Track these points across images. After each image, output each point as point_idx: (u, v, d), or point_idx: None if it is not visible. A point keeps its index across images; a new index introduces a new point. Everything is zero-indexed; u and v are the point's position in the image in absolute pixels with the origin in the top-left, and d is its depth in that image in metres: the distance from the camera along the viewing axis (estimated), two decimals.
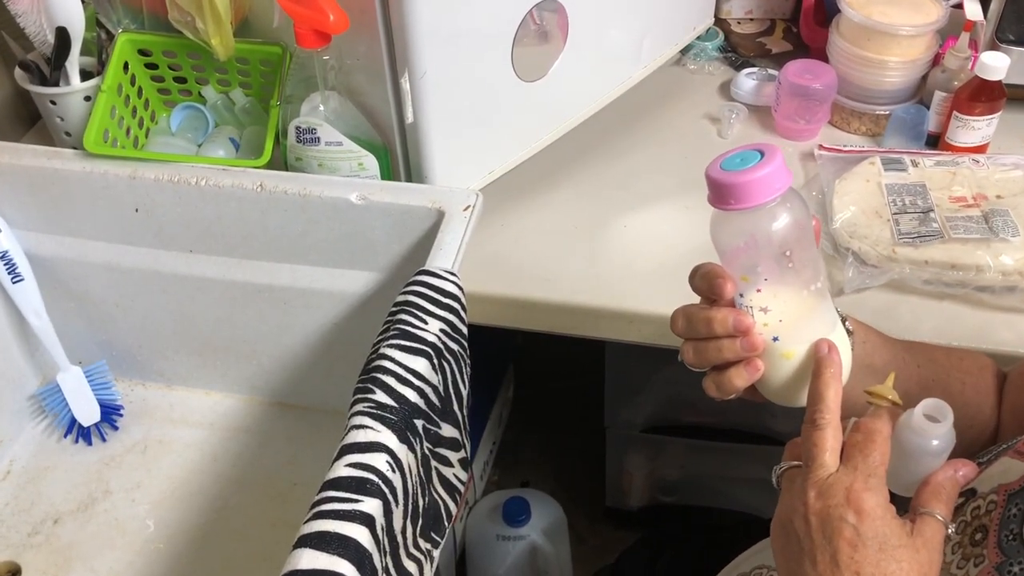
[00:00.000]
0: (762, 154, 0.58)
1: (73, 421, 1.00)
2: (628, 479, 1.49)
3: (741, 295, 0.61)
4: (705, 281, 0.63)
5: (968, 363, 0.74)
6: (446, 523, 0.76)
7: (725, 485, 1.46)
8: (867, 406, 0.60)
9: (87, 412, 1.00)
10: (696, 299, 0.65)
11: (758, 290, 0.60)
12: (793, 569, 0.56)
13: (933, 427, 0.56)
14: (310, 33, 0.81)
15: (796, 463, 0.59)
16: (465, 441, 0.79)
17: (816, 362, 0.60)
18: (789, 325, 0.61)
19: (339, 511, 0.60)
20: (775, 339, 0.61)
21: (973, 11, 1.03)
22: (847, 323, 0.66)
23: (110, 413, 1.02)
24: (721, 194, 0.58)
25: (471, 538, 1.39)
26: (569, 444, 1.68)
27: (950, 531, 0.56)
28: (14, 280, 0.94)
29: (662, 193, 1.03)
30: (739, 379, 0.62)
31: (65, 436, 1.01)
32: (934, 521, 0.55)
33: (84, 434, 1.00)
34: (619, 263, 0.95)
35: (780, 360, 0.62)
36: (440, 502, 0.75)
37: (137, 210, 0.91)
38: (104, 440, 1.01)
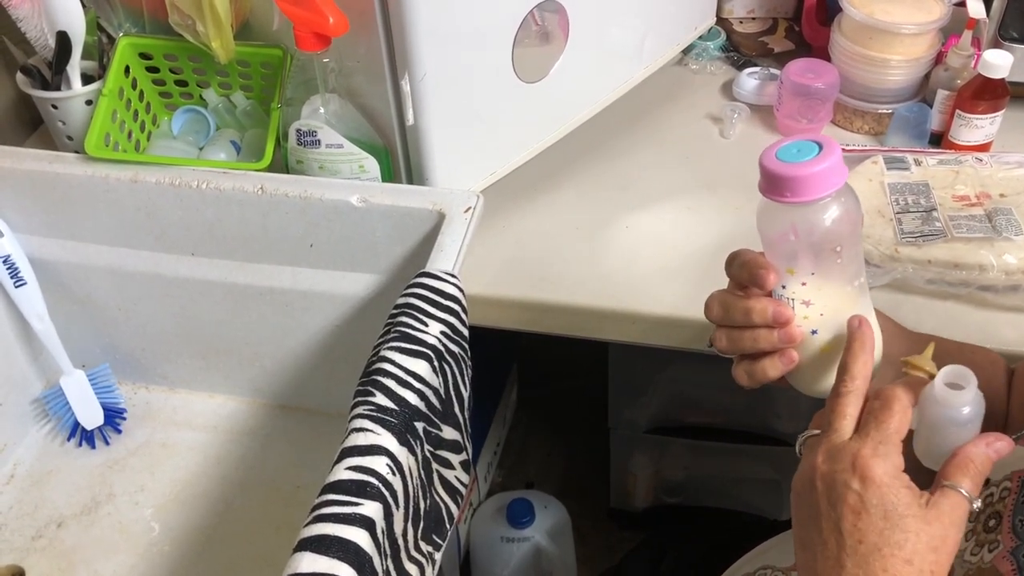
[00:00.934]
0: (820, 147, 0.57)
1: (76, 424, 1.00)
2: (632, 480, 1.49)
3: (783, 286, 0.61)
4: (746, 270, 0.62)
5: (980, 357, 0.73)
6: (448, 526, 0.75)
7: (729, 486, 1.45)
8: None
9: (90, 415, 1.00)
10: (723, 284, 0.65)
11: (803, 283, 0.60)
12: (804, 535, 0.56)
13: (956, 395, 0.55)
14: (310, 36, 0.81)
15: (817, 431, 0.58)
16: (467, 443, 0.79)
17: (849, 334, 0.59)
18: (830, 319, 0.61)
19: (339, 514, 0.60)
20: (814, 332, 0.61)
21: (976, 9, 1.03)
22: None
23: (113, 416, 1.02)
24: (776, 185, 0.57)
25: (475, 540, 1.39)
26: (573, 445, 1.68)
27: (975, 506, 0.54)
28: (17, 284, 0.94)
29: (664, 193, 1.03)
30: (773, 369, 0.62)
31: (68, 439, 1.01)
32: (956, 495, 0.53)
33: (87, 437, 1.01)
34: (621, 264, 0.95)
35: (818, 353, 0.62)
36: (442, 504, 0.75)
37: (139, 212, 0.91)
38: (107, 443, 1.01)
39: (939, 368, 0.57)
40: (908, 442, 0.56)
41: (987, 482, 0.61)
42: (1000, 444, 0.54)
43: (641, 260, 0.95)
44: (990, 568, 0.57)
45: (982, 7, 1.03)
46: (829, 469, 0.54)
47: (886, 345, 0.66)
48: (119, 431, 1.02)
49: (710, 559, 1.02)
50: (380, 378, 0.68)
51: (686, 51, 1.19)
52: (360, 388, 0.68)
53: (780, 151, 0.58)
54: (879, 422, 0.54)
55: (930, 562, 0.52)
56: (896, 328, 0.69)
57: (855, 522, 0.52)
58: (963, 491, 0.53)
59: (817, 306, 0.61)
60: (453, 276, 0.77)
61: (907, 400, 0.55)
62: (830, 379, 0.62)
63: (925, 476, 0.55)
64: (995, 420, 0.72)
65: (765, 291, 0.61)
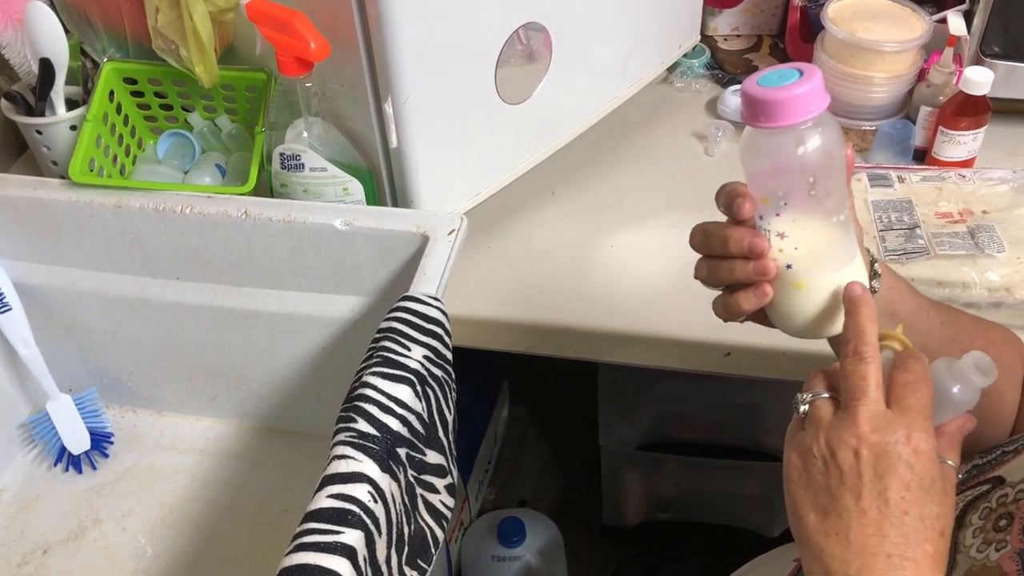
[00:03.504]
0: (801, 73, 0.56)
1: (63, 449, 1.00)
2: (624, 497, 1.49)
3: (761, 217, 0.60)
4: (724, 198, 0.62)
5: (994, 333, 0.72)
6: (433, 550, 0.75)
7: (721, 501, 1.45)
8: None
9: (77, 440, 1.00)
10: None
11: (777, 214, 0.59)
12: (823, 503, 0.55)
13: (980, 379, 0.56)
14: (292, 61, 0.81)
15: (825, 394, 0.57)
16: (452, 467, 0.79)
17: (851, 301, 0.58)
18: (804, 254, 0.60)
19: (320, 543, 0.59)
20: (788, 266, 0.60)
21: (957, 26, 1.03)
22: (876, 265, 0.66)
23: (100, 441, 1.01)
24: (752, 110, 0.56)
25: (467, 559, 1.39)
26: (565, 462, 1.68)
27: (960, 476, 0.58)
28: (1, 310, 0.94)
29: (649, 212, 1.03)
30: (747, 302, 0.62)
31: (55, 465, 1.00)
32: (951, 469, 0.56)
33: (74, 462, 1.00)
34: (607, 283, 0.95)
35: (791, 288, 0.61)
36: (426, 529, 0.75)
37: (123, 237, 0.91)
38: (94, 468, 1.01)
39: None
40: None
41: (1002, 481, 0.62)
42: (970, 424, 0.58)
43: (627, 279, 0.95)
44: (995, 567, 0.57)
45: (963, 24, 1.04)
46: (880, 439, 0.53)
47: (895, 303, 0.66)
48: (106, 455, 1.02)
49: (703, 574, 1.02)
50: (362, 404, 0.68)
51: (671, 69, 1.20)
52: (342, 414, 0.67)
53: (762, 77, 0.57)
54: (918, 397, 0.54)
55: (949, 532, 0.54)
56: (906, 287, 0.68)
57: (903, 493, 0.53)
58: (953, 464, 0.56)
59: (791, 239, 0.60)
60: (436, 299, 0.77)
61: (930, 375, 0.56)
62: (805, 318, 0.61)
63: None
64: (1011, 401, 0.71)
65: (742, 219, 0.61)
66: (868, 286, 0.61)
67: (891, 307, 0.66)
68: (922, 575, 0.52)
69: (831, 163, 0.57)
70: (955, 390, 0.56)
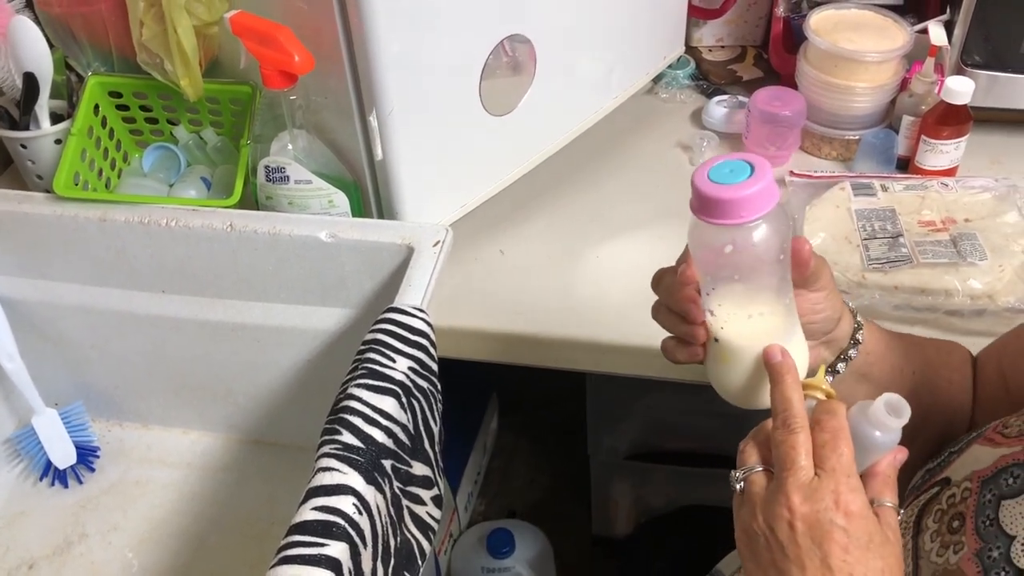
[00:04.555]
0: (752, 171, 0.56)
1: (49, 464, 0.99)
2: (614, 507, 1.49)
3: (699, 289, 0.63)
4: (680, 258, 0.65)
5: (955, 358, 0.75)
6: (419, 562, 0.75)
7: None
8: None
9: (63, 454, 1.00)
10: None
11: (707, 293, 0.62)
12: (772, 575, 0.56)
13: (895, 421, 0.57)
14: (276, 74, 0.81)
15: (759, 468, 0.58)
16: (438, 479, 0.79)
17: (772, 368, 0.60)
18: (731, 335, 0.62)
19: (305, 556, 0.59)
20: (716, 340, 0.63)
21: (938, 36, 1.04)
22: (859, 334, 0.68)
23: (86, 455, 1.01)
24: (694, 200, 0.58)
25: (456, 571, 1.38)
26: (554, 473, 1.68)
27: (899, 515, 0.58)
28: None
29: (635, 223, 1.03)
30: (680, 355, 0.66)
31: (41, 479, 1.00)
32: (892, 511, 0.57)
33: (60, 477, 1.00)
34: (593, 294, 0.95)
35: (719, 360, 0.64)
36: (413, 541, 0.75)
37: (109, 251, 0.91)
38: (81, 482, 1.00)
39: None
40: None
41: (948, 482, 0.63)
42: (902, 455, 0.59)
43: (613, 290, 0.95)
44: (956, 569, 0.59)
45: (944, 34, 1.04)
46: (811, 510, 0.54)
47: (870, 367, 0.67)
48: (92, 469, 1.01)
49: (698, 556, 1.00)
50: (347, 416, 0.68)
51: (656, 80, 1.20)
52: (327, 426, 0.67)
53: (713, 169, 0.58)
54: (839, 455, 0.55)
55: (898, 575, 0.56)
56: (883, 348, 0.71)
57: (844, 556, 0.54)
58: (891, 504, 0.57)
59: (719, 318, 0.62)
60: (421, 311, 0.78)
61: (847, 427, 0.57)
62: (731, 387, 0.64)
63: None
64: (963, 417, 0.74)
65: (681, 287, 0.64)
66: (805, 367, 0.63)
67: (865, 370, 0.70)
68: None
69: (760, 264, 0.59)
70: (876, 435, 0.57)
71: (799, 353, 0.63)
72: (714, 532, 0.95)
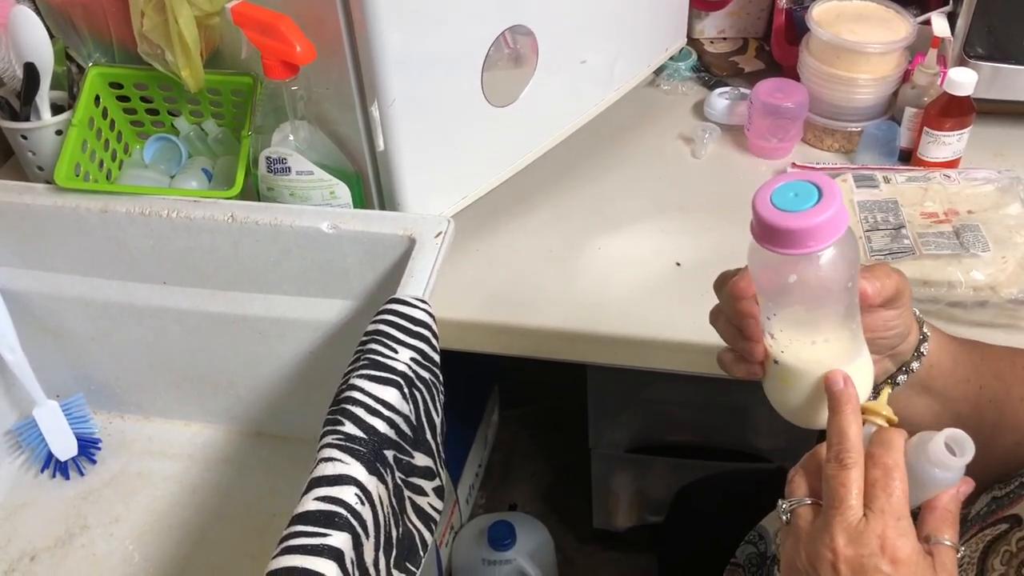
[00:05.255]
0: (820, 194, 0.52)
1: (50, 455, 0.99)
2: (615, 500, 1.49)
3: (760, 310, 0.60)
4: (733, 287, 0.61)
5: None
6: (421, 552, 0.75)
7: None
8: None
9: (64, 446, 0.99)
10: None
11: (768, 317, 0.59)
12: None
13: (955, 461, 0.53)
14: (277, 64, 0.81)
15: (808, 500, 0.57)
16: (440, 470, 0.79)
17: (832, 395, 0.58)
18: (791, 359, 0.60)
19: (307, 546, 0.59)
20: (775, 362, 0.61)
21: (940, 27, 1.04)
22: (923, 346, 0.65)
23: (88, 447, 1.01)
24: (757, 228, 0.54)
25: (457, 563, 1.38)
26: (556, 465, 1.68)
27: (960, 553, 0.55)
28: None
29: (637, 215, 1.03)
30: (738, 371, 0.63)
31: (42, 471, 1.00)
32: (949, 550, 0.54)
33: (61, 468, 1.00)
34: (594, 286, 0.95)
35: (778, 382, 0.62)
36: (415, 532, 0.75)
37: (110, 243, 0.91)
38: (82, 474, 1.00)
39: (892, 412, 0.59)
40: None
41: (1020, 521, 0.60)
42: (966, 488, 0.56)
43: (614, 282, 0.95)
44: None
45: (946, 26, 1.04)
46: (855, 554, 0.53)
47: (934, 379, 0.65)
48: (93, 461, 1.01)
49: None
50: (349, 406, 0.67)
51: (657, 72, 1.20)
52: (329, 417, 0.67)
53: (778, 191, 0.54)
54: (888, 494, 0.53)
55: None
56: (949, 361, 0.67)
57: None
58: (950, 543, 0.54)
59: (780, 342, 0.60)
60: (423, 302, 0.77)
61: (903, 463, 0.55)
62: (790, 408, 0.62)
63: None
64: None
65: (738, 300, 0.61)
66: (869, 389, 0.60)
67: (928, 383, 0.66)
68: None
69: (825, 293, 0.55)
70: (935, 472, 0.54)
71: (863, 376, 0.60)
72: (752, 493, 0.94)
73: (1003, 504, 0.64)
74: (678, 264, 0.96)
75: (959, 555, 0.55)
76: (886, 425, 0.58)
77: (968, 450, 0.53)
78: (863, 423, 0.57)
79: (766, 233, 0.53)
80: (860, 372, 0.60)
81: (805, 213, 0.52)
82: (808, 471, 0.58)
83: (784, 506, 0.58)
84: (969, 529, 0.66)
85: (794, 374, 0.60)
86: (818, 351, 0.59)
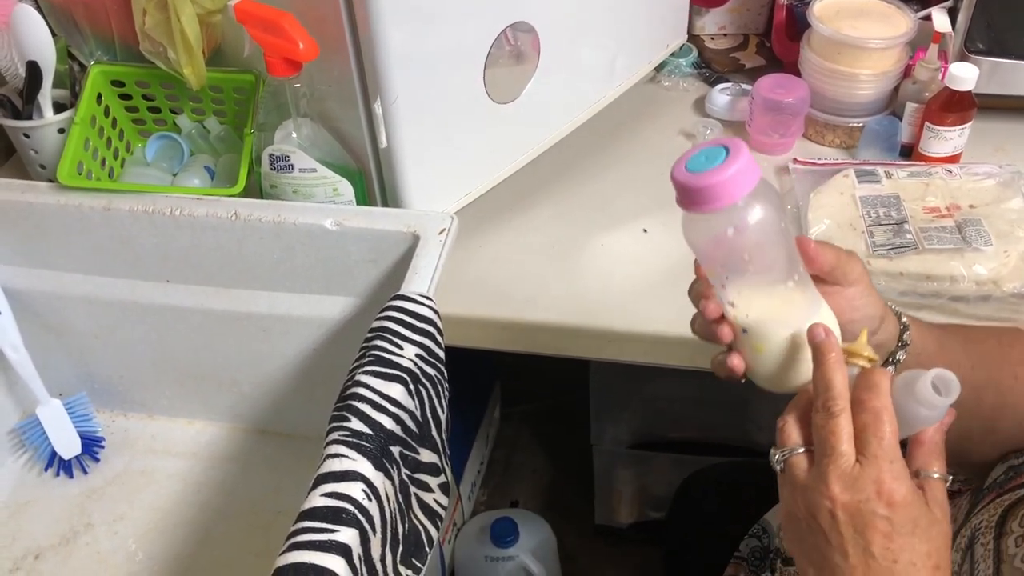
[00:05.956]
0: (727, 153, 0.56)
1: (54, 454, 0.99)
2: (617, 496, 1.49)
3: (714, 287, 0.62)
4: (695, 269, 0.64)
5: (1019, 351, 0.72)
6: (427, 549, 0.75)
7: None
8: None
9: (67, 445, 1.00)
10: None
11: (723, 286, 0.61)
12: (817, 560, 0.56)
13: (942, 400, 0.55)
14: (280, 62, 0.81)
15: (800, 449, 0.57)
16: (445, 466, 0.79)
17: (815, 348, 0.59)
18: (756, 320, 0.61)
19: (315, 542, 0.59)
20: (744, 331, 0.62)
21: (941, 23, 1.04)
22: (906, 335, 0.66)
23: (91, 445, 1.01)
24: (680, 195, 0.57)
25: (460, 560, 1.39)
26: (557, 462, 1.68)
27: (948, 481, 0.56)
28: None
29: (639, 211, 1.03)
30: (722, 371, 0.64)
31: (46, 470, 1.00)
32: (939, 482, 0.56)
33: (65, 467, 1.00)
34: (597, 282, 0.95)
35: (753, 352, 0.63)
36: (420, 528, 0.75)
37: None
38: (86, 472, 1.00)
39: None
40: None
41: None
42: (948, 420, 0.57)
43: (616, 278, 0.95)
44: None
45: (947, 21, 1.04)
46: (852, 499, 0.54)
47: (924, 366, 0.65)
48: (97, 460, 1.01)
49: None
50: (355, 403, 0.68)
51: (658, 68, 1.20)
52: (335, 413, 0.67)
53: (690, 160, 0.57)
54: (879, 438, 0.54)
55: (946, 555, 0.55)
56: (935, 347, 0.68)
57: (887, 544, 0.53)
58: (939, 475, 0.56)
59: (741, 307, 0.61)
60: (428, 298, 0.78)
61: (891, 405, 0.55)
62: (769, 375, 0.63)
63: None
64: None
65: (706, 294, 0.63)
66: (838, 334, 0.61)
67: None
68: None
69: (764, 238, 0.58)
70: (922, 412, 0.56)
71: (829, 322, 0.61)
72: (756, 486, 0.95)
73: (1021, 471, 0.66)
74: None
75: (948, 483, 0.56)
76: (868, 366, 0.59)
77: (954, 390, 0.55)
78: (847, 365, 0.58)
79: (686, 197, 0.57)
80: (826, 318, 0.62)
81: (715, 169, 0.55)
82: (797, 419, 0.59)
83: (777, 456, 0.58)
84: (987, 496, 0.67)
85: (761, 337, 0.62)
86: (776, 308, 0.61)
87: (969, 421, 0.62)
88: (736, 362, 0.63)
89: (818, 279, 0.63)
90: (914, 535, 0.53)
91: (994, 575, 0.61)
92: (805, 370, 0.61)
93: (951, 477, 0.57)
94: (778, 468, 0.58)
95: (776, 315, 0.61)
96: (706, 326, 0.63)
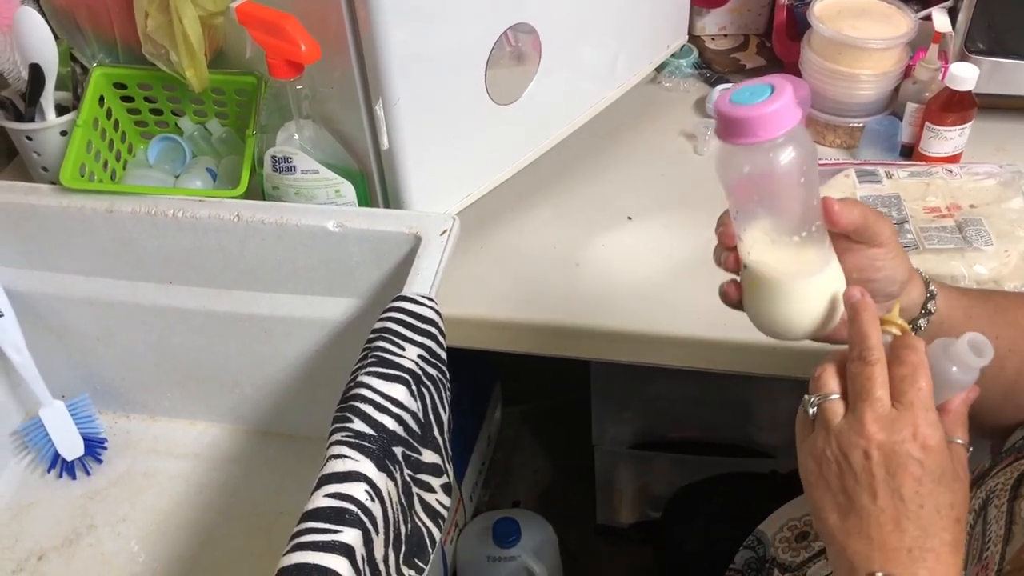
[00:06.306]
0: (773, 91, 0.56)
1: (56, 455, 1.00)
2: (618, 496, 1.49)
3: (734, 217, 0.63)
4: None
5: None
6: (430, 549, 0.75)
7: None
8: None
9: (70, 446, 1.00)
10: None
11: (735, 217, 0.62)
12: (843, 504, 0.56)
13: (977, 360, 0.57)
14: (282, 64, 0.81)
15: (835, 395, 0.58)
16: (448, 466, 0.79)
17: (852, 307, 0.60)
18: (760, 262, 0.62)
19: (318, 542, 0.60)
20: (745, 267, 0.63)
21: (941, 23, 1.04)
22: (930, 303, 0.66)
23: (94, 446, 1.01)
24: (719, 127, 0.58)
25: (461, 560, 1.39)
26: (558, 462, 1.68)
27: (970, 451, 0.58)
28: None
29: (640, 211, 1.03)
30: (720, 293, 0.66)
31: (49, 471, 1.00)
32: (962, 448, 0.58)
33: (68, 468, 1.00)
34: (598, 282, 0.95)
35: (749, 289, 0.64)
36: (423, 528, 0.75)
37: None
38: (88, 474, 1.00)
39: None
40: None
41: None
42: (973, 395, 0.59)
43: (618, 278, 0.96)
44: None
45: (948, 21, 1.05)
46: (888, 439, 0.55)
47: (947, 333, 0.65)
48: (100, 461, 1.01)
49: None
50: (357, 404, 0.68)
51: (659, 69, 1.20)
52: (338, 414, 0.68)
53: (737, 92, 0.58)
54: (917, 389, 0.56)
55: (964, 512, 0.56)
56: (961, 315, 0.69)
57: (916, 488, 0.54)
58: (962, 441, 0.58)
59: (745, 243, 0.62)
60: (430, 299, 0.78)
61: (926, 362, 0.57)
62: (761, 318, 0.64)
63: None
64: None
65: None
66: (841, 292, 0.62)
67: (946, 334, 0.66)
68: (942, 563, 0.54)
69: (780, 187, 0.58)
70: (953, 371, 0.57)
71: (835, 281, 0.62)
72: (748, 497, 0.95)
73: None
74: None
75: (967, 454, 0.58)
76: (900, 334, 0.60)
77: (988, 352, 0.57)
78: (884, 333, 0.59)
79: (723, 126, 0.57)
80: (832, 278, 0.62)
81: (755, 105, 0.55)
82: (835, 369, 0.60)
83: (813, 399, 0.59)
84: (1005, 459, 0.67)
85: (759, 278, 0.62)
86: (779, 253, 0.61)
87: (990, 388, 0.63)
88: (729, 289, 0.65)
89: (845, 236, 0.63)
90: (941, 483, 0.55)
91: (1005, 535, 0.63)
92: (791, 320, 0.62)
93: (971, 448, 0.58)
94: (811, 411, 0.59)
95: (774, 264, 0.61)
96: (719, 250, 0.65)
